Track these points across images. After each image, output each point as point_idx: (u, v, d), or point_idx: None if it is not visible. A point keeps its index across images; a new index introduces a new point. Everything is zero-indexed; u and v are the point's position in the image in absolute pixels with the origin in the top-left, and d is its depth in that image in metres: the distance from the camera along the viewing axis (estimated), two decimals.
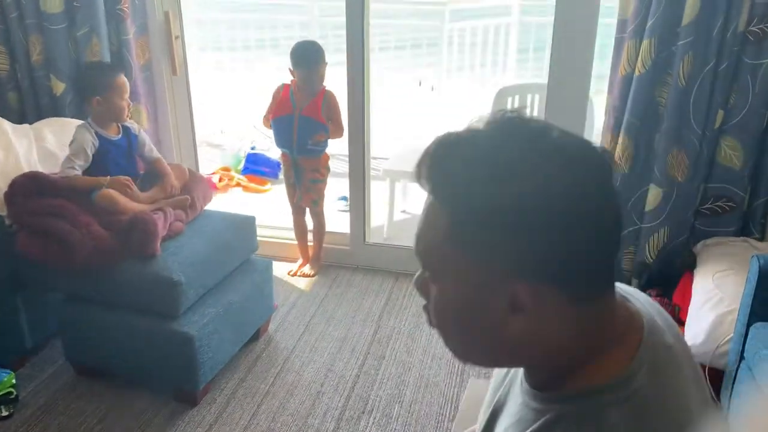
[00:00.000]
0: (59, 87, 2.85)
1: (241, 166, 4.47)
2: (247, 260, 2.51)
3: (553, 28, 2.60)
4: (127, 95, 2.29)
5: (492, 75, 4.93)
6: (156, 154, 2.44)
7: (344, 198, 3.95)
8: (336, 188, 3.67)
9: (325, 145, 2.94)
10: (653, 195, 2.51)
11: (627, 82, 2.45)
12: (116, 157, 2.31)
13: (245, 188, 4.28)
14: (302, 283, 3.04)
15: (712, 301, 2.11)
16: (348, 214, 3.20)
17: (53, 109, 2.90)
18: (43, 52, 2.84)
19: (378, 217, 3.44)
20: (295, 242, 3.16)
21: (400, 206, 3.90)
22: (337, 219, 3.42)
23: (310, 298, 2.91)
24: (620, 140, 2.50)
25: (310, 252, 3.15)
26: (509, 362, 0.80)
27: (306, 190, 3.01)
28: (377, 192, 3.43)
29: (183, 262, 2.16)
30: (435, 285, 0.73)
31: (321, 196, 3.04)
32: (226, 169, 4.39)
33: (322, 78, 2.85)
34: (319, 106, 2.84)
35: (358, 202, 3.09)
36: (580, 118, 2.68)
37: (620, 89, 2.48)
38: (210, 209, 2.54)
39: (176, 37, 3.00)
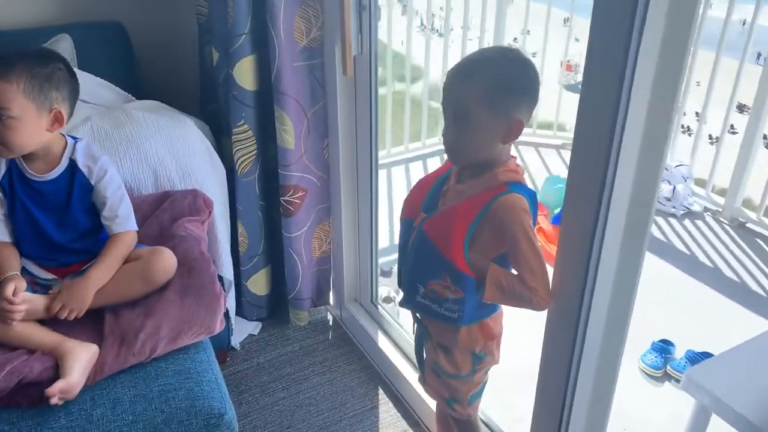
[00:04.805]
0: (213, 56, 1.99)
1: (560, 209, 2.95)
2: None
3: None
4: (7, 110, 1.21)
5: None
6: (119, 226, 1.34)
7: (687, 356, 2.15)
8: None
9: (471, 310, 1.26)
10: None
11: None
12: (33, 208, 1.32)
13: (546, 240, 2.78)
14: None
15: None
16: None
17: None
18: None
19: None
20: None
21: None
22: (632, 391, 1.73)
23: None
24: None
25: None
26: None
27: (432, 373, 1.44)
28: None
29: None
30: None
31: (459, 399, 1.41)
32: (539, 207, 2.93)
33: (481, 148, 1.19)
34: (464, 218, 1.21)
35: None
36: None
37: None
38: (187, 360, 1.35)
39: (363, 9, 1.74)
